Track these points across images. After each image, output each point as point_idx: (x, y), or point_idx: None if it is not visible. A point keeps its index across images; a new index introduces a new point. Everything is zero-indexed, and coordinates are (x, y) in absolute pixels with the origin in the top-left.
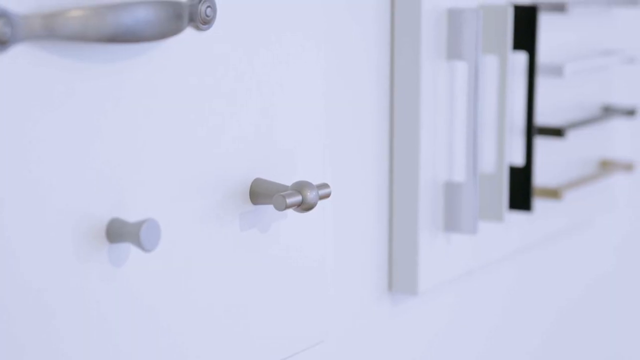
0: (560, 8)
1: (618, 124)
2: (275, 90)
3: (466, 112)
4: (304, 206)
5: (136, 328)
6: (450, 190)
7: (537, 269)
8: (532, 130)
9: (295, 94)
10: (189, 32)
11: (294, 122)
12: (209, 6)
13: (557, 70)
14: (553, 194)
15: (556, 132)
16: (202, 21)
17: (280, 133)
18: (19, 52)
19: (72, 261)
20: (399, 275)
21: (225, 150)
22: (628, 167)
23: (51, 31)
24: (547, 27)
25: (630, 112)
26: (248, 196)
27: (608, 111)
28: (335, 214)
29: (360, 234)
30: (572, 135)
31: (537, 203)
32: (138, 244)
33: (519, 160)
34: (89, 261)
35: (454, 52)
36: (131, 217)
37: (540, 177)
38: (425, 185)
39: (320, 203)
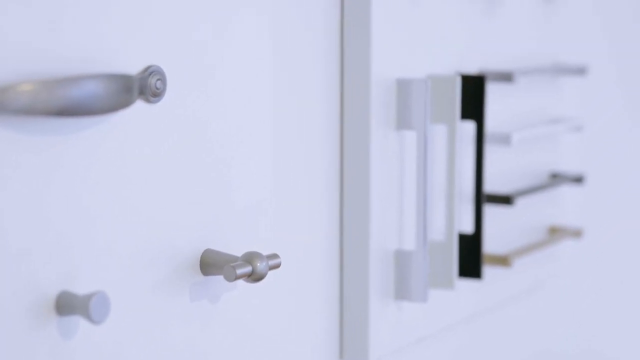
0: (507, 77)
1: (566, 191)
2: (227, 162)
3: (416, 181)
4: (254, 277)
5: None
6: (401, 259)
7: (488, 336)
8: (481, 198)
9: (247, 166)
10: (139, 105)
11: (245, 192)
12: (159, 79)
13: (505, 139)
14: (503, 261)
15: (505, 199)
16: (153, 94)
17: (232, 203)
18: None
19: (20, 334)
20: (350, 342)
21: (176, 221)
22: (577, 233)
23: (1, 105)
24: (495, 96)
25: (578, 179)
26: (199, 267)
27: (556, 178)
28: (287, 283)
29: (311, 302)
30: (520, 203)
31: (487, 270)
32: (87, 316)
33: (468, 228)
34: (37, 334)
35: (403, 121)
36: (80, 289)
37: (490, 244)
38: (376, 253)
39: (270, 273)
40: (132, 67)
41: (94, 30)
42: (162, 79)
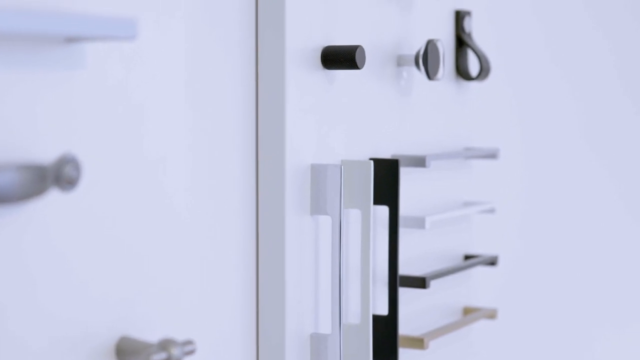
0: (420, 162)
1: (480, 273)
2: (141, 250)
3: (331, 265)
4: None
5: None
6: (316, 342)
7: None
8: (395, 281)
9: (163, 254)
10: (53, 193)
11: (162, 277)
12: (72, 167)
13: (419, 222)
14: (418, 342)
15: (419, 282)
16: (67, 181)
17: (147, 292)
18: None
19: None
20: None
21: (91, 308)
22: (491, 314)
23: None
24: (408, 180)
25: (491, 262)
26: (114, 354)
27: (470, 260)
28: None
29: None
30: (435, 285)
31: (403, 352)
32: None
33: (383, 310)
34: None
35: (317, 206)
36: None
37: (405, 326)
38: (292, 337)
39: (185, 359)
40: (47, 155)
41: (5, 118)
42: (76, 167)
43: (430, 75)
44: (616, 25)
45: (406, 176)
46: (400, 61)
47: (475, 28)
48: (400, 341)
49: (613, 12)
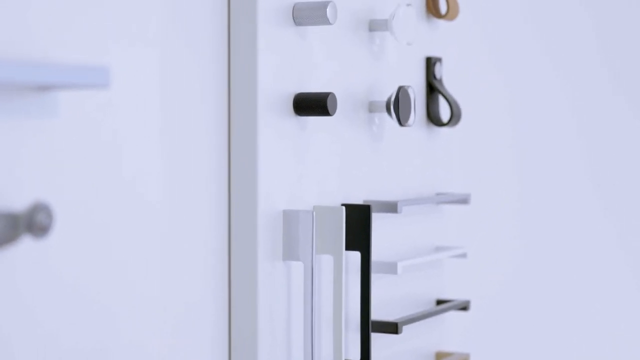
0: (392, 207)
1: (452, 317)
2: (110, 304)
3: (303, 311)
4: None
5: None
6: None
7: None
8: (368, 326)
9: (133, 308)
10: (25, 241)
11: (132, 333)
12: (45, 215)
13: (391, 267)
14: None
15: (391, 327)
16: (39, 228)
17: (118, 344)
18: None
19: None
20: None
21: (66, 351)
22: (463, 359)
23: None
24: (380, 226)
25: (463, 307)
26: None
27: (442, 305)
28: None
29: None
30: (407, 330)
31: None
32: None
33: (356, 356)
34: None
35: (289, 252)
36: None
37: None
38: None
39: None
40: (19, 202)
41: None
42: (49, 214)
43: (401, 121)
44: (577, 70)
45: (378, 221)
46: (371, 107)
47: (446, 74)
48: None
49: (574, 58)
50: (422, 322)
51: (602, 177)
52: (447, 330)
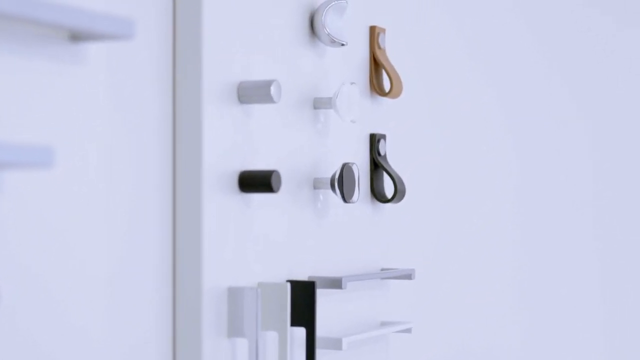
0: (337, 283)
1: None
2: None
3: None
4: None
5: None
6: None
7: None
8: None
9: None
10: None
11: None
12: None
13: (336, 343)
14: None
15: None
16: None
17: None
18: None
19: None
20: None
21: None
22: None
23: None
24: (325, 302)
25: None
26: None
27: None
28: None
29: None
30: None
31: None
32: None
33: None
34: None
35: (234, 329)
36: None
37: None
38: None
39: None
40: None
41: None
42: None
43: (345, 198)
44: (522, 145)
45: (323, 297)
46: (316, 184)
47: (389, 151)
48: None
49: (519, 134)
50: None
51: (541, 250)
52: None
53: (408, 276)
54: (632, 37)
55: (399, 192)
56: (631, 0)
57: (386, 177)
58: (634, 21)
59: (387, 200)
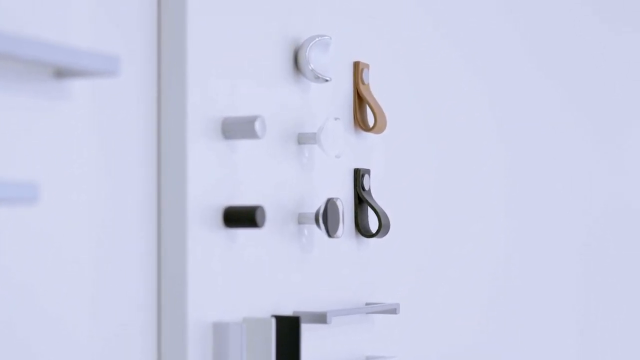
0: (321, 318)
1: None
2: None
3: None
4: None
5: None
6: None
7: None
8: None
9: None
10: None
11: None
12: None
13: None
14: None
15: None
16: None
17: None
18: None
19: None
20: None
21: None
22: None
23: None
24: (310, 338)
25: None
26: None
27: None
28: None
29: None
30: None
31: None
32: None
33: None
34: None
35: None
36: None
37: None
38: None
39: None
40: None
41: None
42: None
43: (330, 233)
44: (504, 175)
45: (308, 332)
46: (301, 219)
47: (374, 186)
48: None
49: (499, 165)
50: None
51: (528, 288)
52: None
53: (393, 310)
54: (629, 42)
55: (383, 227)
56: (628, 4)
57: (370, 212)
58: (632, 25)
59: (371, 235)
